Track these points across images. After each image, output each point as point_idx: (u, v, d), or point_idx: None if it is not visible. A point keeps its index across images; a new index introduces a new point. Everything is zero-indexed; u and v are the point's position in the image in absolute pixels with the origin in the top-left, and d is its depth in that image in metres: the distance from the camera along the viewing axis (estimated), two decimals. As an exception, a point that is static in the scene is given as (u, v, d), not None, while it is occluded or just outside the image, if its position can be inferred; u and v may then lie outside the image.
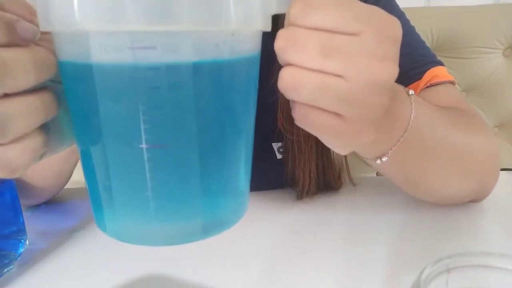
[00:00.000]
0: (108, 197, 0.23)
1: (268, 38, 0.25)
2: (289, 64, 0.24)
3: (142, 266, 0.40)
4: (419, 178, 0.43)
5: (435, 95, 0.49)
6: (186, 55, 0.20)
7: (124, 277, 0.38)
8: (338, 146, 0.29)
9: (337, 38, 0.23)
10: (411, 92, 0.36)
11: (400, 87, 0.36)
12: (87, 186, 0.24)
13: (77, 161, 0.54)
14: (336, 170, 0.55)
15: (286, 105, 0.49)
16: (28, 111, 0.22)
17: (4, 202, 0.41)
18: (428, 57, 0.53)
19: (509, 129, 0.96)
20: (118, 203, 0.23)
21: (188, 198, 0.23)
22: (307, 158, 0.51)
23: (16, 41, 0.22)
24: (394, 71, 0.25)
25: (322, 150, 0.52)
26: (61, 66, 0.23)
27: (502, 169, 0.53)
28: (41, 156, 0.25)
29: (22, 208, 0.42)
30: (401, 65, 0.25)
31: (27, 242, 0.42)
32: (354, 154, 0.38)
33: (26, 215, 0.45)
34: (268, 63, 0.29)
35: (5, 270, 0.39)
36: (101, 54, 0.20)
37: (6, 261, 0.40)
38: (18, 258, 0.41)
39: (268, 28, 0.24)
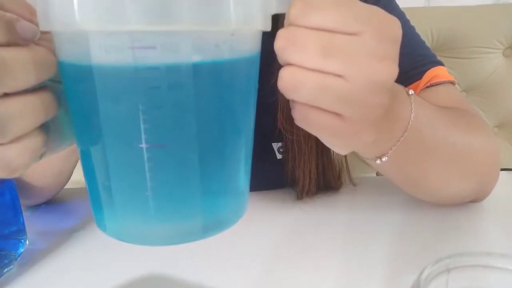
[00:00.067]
0: (108, 197, 0.23)
1: (268, 38, 0.25)
2: (289, 64, 0.24)
3: (142, 266, 0.40)
4: (419, 178, 0.43)
5: (435, 95, 0.49)
6: (186, 55, 0.20)
7: (124, 277, 0.38)
8: (338, 146, 0.29)
9: (337, 38, 0.23)
10: (411, 92, 0.36)
11: (400, 87, 0.36)
12: (87, 186, 0.24)
13: (77, 161, 0.54)
14: (336, 170, 0.55)
15: (286, 105, 0.49)
16: (28, 111, 0.22)
17: (4, 202, 0.41)
18: (428, 57, 0.53)
19: (509, 129, 0.96)
20: (118, 203, 0.23)
21: (188, 198, 0.23)
22: (307, 158, 0.51)
23: (16, 41, 0.22)
24: (394, 71, 0.25)
25: (322, 150, 0.52)
26: (61, 66, 0.23)
27: (502, 169, 0.53)
28: (41, 156, 0.25)
29: (22, 208, 0.42)
30: (401, 65, 0.25)
31: (27, 242, 0.42)
32: (354, 154, 0.38)
33: (26, 215, 0.45)
34: (268, 63, 0.29)
35: (5, 270, 0.39)
36: (101, 54, 0.20)
37: (6, 261, 0.39)
38: (18, 258, 0.41)
39: (268, 28, 0.24)
